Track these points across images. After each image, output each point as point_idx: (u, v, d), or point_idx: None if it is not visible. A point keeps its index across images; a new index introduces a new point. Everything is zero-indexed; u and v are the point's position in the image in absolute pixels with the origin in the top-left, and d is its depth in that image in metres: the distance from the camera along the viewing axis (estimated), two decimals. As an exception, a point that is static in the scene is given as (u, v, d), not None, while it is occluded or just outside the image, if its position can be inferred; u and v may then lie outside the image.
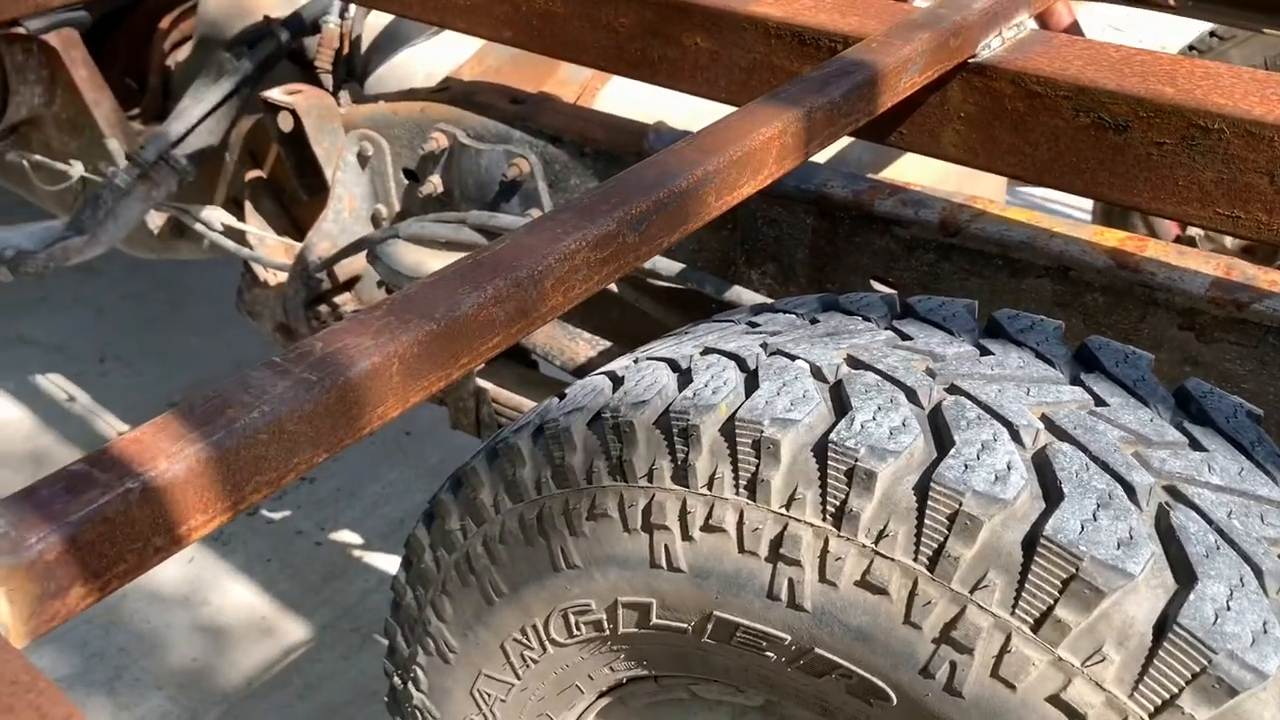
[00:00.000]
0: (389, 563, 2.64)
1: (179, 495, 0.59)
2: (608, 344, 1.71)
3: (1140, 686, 0.77)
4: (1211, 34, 2.66)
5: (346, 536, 2.71)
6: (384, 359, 0.67)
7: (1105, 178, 1.16)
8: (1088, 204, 3.01)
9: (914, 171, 1.75)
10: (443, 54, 1.93)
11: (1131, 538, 0.78)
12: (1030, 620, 0.80)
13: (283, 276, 1.96)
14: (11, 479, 2.85)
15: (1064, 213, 3.13)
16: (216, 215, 2.04)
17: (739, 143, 0.89)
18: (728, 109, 1.44)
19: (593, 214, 0.81)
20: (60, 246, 1.86)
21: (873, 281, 1.43)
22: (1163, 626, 0.76)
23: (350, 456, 2.92)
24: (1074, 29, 2.45)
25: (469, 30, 1.59)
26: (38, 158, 2.30)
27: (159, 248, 2.31)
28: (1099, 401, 0.92)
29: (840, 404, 0.91)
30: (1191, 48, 2.71)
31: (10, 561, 0.53)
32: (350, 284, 1.91)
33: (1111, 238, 1.32)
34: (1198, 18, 2.37)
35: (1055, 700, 0.80)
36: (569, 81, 1.81)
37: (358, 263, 1.87)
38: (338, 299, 1.90)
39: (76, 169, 2.21)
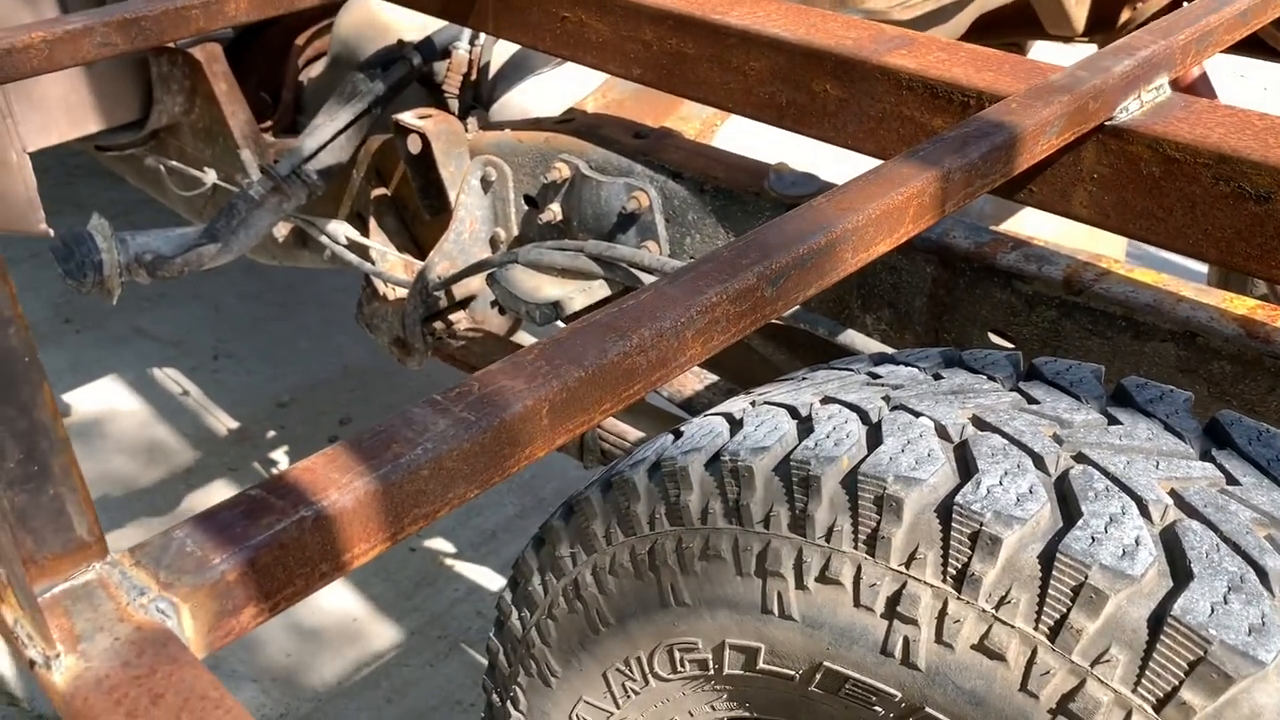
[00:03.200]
0: (478, 573, 2.69)
1: (346, 524, 0.62)
2: (715, 378, 1.73)
3: (1266, 777, 0.76)
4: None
5: (439, 545, 2.77)
6: (535, 402, 0.70)
7: (1242, 248, 1.14)
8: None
9: (1033, 225, 1.74)
10: (567, 85, 1.98)
11: (1264, 624, 0.77)
12: (1153, 700, 0.79)
13: (401, 292, 2.03)
14: (125, 466, 2.98)
15: (1179, 267, 3.06)
16: (341, 229, 2.11)
17: (878, 201, 0.91)
18: (848, 154, 1.46)
19: (733, 268, 0.83)
20: (195, 253, 1.95)
21: (991, 335, 1.43)
22: (1293, 718, 0.75)
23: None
24: (1204, 80, 2.41)
25: (599, 66, 1.63)
26: (174, 163, 2.41)
27: (281, 255, 2.40)
28: (1230, 480, 0.91)
29: (965, 465, 0.91)
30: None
31: (195, 580, 0.57)
32: (465, 303, 1.96)
33: (1241, 305, 1.30)
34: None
35: (1174, 783, 0.79)
36: (690, 117, 1.84)
37: (474, 283, 1.92)
38: (453, 317, 1.95)
39: (210, 176, 2.31)
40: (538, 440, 0.71)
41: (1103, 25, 2.45)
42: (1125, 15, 2.40)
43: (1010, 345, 1.42)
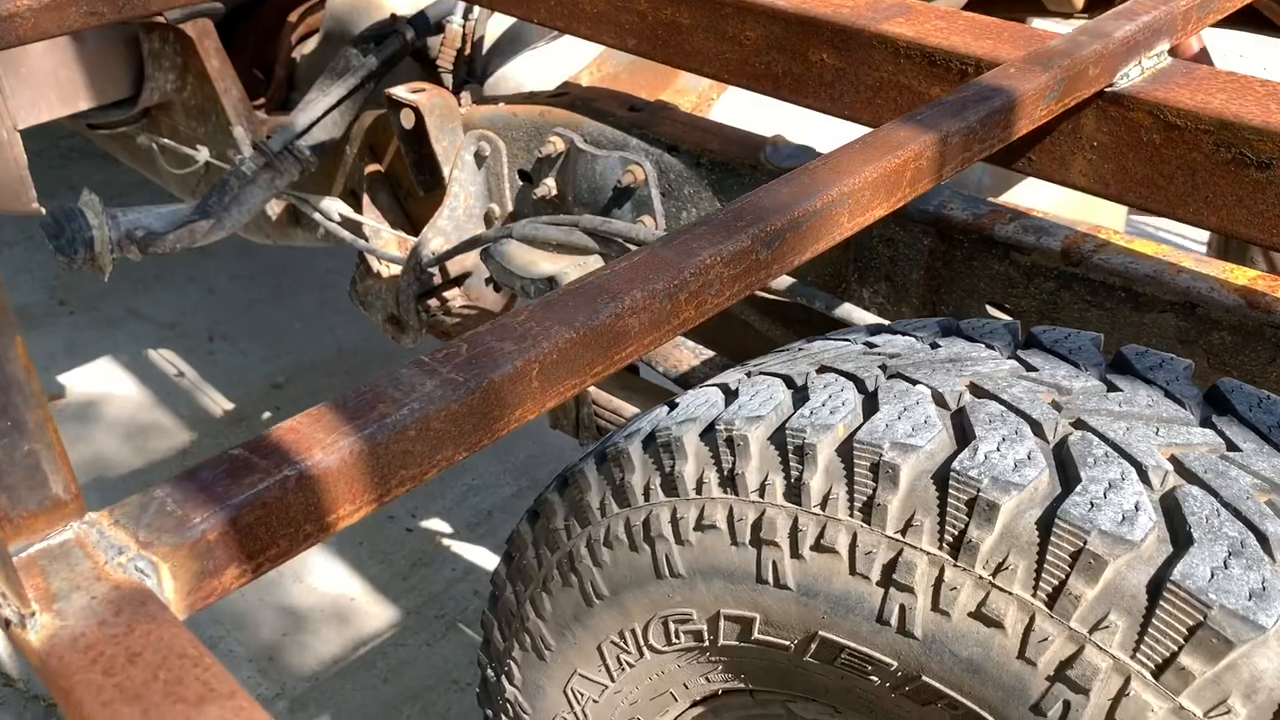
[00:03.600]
0: (475, 553, 2.68)
1: (331, 485, 0.61)
2: (710, 354, 1.72)
3: (1266, 743, 0.75)
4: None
5: (436, 525, 2.76)
6: (525, 363, 0.69)
7: (1243, 215, 1.13)
8: (1202, 234, 2.93)
9: (1031, 197, 1.72)
10: (562, 58, 1.96)
11: (1265, 589, 0.76)
12: (1152, 665, 0.78)
13: (395, 269, 2.01)
14: (119, 448, 2.96)
15: (1177, 241, 3.05)
16: (335, 206, 2.10)
17: (875, 164, 0.89)
18: (845, 125, 1.44)
19: (728, 230, 0.81)
20: (187, 229, 1.93)
21: (989, 308, 1.41)
22: (1294, 683, 0.74)
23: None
24: (1203, 56, 2.39)
25: (593, 37, 1.61)
26: (166, 141, 2.39)
27: (275, 234, 2.38)
28: (1231, 446, 0.89)
29: (962, 432, 0.90)
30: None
31: (175, 540, 0.56)
32: (460, 280, 1.95)
33: (1242, 275, 1.29)
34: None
35: (1173, 750, 0.78)
36: (686, 90, 1.82)
37: (469, 259, 1.91)
38: (447, 293, 1.94)
39: (203, 154, 2.29)
40: (527, 402, 0.70)
41: (1102, 1, 2.43)
42: (1125, -10, 2.38)
43: (1008, 318, 1.40)
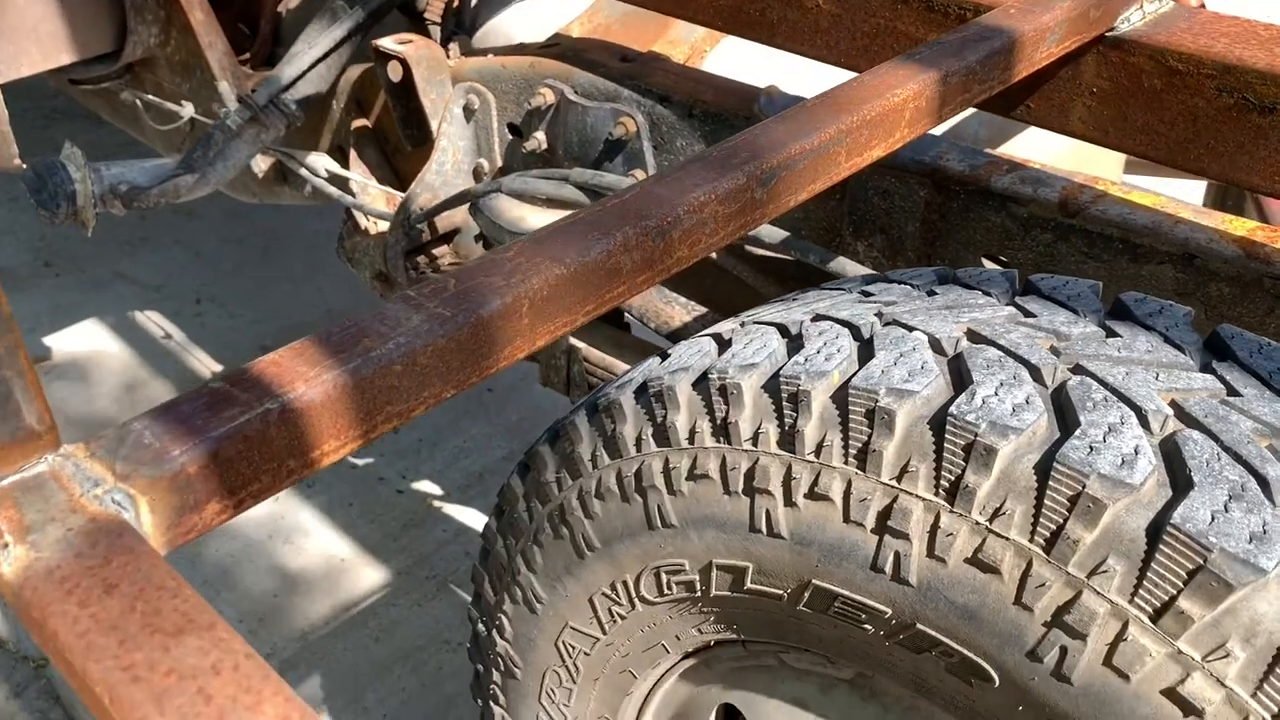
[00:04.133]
0: (466, 514, 2.68)
1: (315, 419, 0.59)
2: (703, 310, 1.70)
3: (1264, 687, 0.74)
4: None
5: (426, 486, 2.75)
6: (515, 299, 0.67)
7: (1245, 161, 1.11)
8: (1197, 192, 2.90)
9: (1026, 151, 1.70)
10: (552, 9, 1.92)
11: (1265, 533, 0.75)
12: (1150, 610, 0.77)
13: (383, 225, 1.98)
14: (106, 409, 2.94)
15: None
16: (321, 162, 2.07)
17: (873, 102, 0.87)
18: (839, 75, 1.42)
19: (723, 167, 0.79)
20: (171, 184, 1.90)
21: (985, 260, 1.40)
22: (1294, 626, 0.73)
23: (433, 410, 2.96)
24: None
25: (584, -15, 1.58)
26: (150, 97, 2.35)
27: (261, 191, 2.35)
28: (1231, 391, 0.88)
29: (959, 378, 0.89)
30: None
31: (153, 472, 0.54)
32: (449, 236, 1.92)
33: (1240, 226, 1.27)
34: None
35: (1171, 694, 0.77)
36: (679, 41, 1.80)
37: (458, 215, 1.88)
38: (436, 250, 1.92)
39: (188, 110, 2.25)
40: (517, 339, 0.68)
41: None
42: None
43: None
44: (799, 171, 0.83)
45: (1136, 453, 0.80)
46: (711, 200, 0.78)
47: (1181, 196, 1.33)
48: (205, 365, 3.10)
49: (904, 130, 0.91)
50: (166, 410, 0.57)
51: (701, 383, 1.02)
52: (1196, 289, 1.27)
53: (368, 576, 2.51)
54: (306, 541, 2.59)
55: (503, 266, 0.69)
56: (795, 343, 1.00)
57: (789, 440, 0.95)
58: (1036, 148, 1.66)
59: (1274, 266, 1.21)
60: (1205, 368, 0.91)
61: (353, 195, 2.04)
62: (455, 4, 1.96)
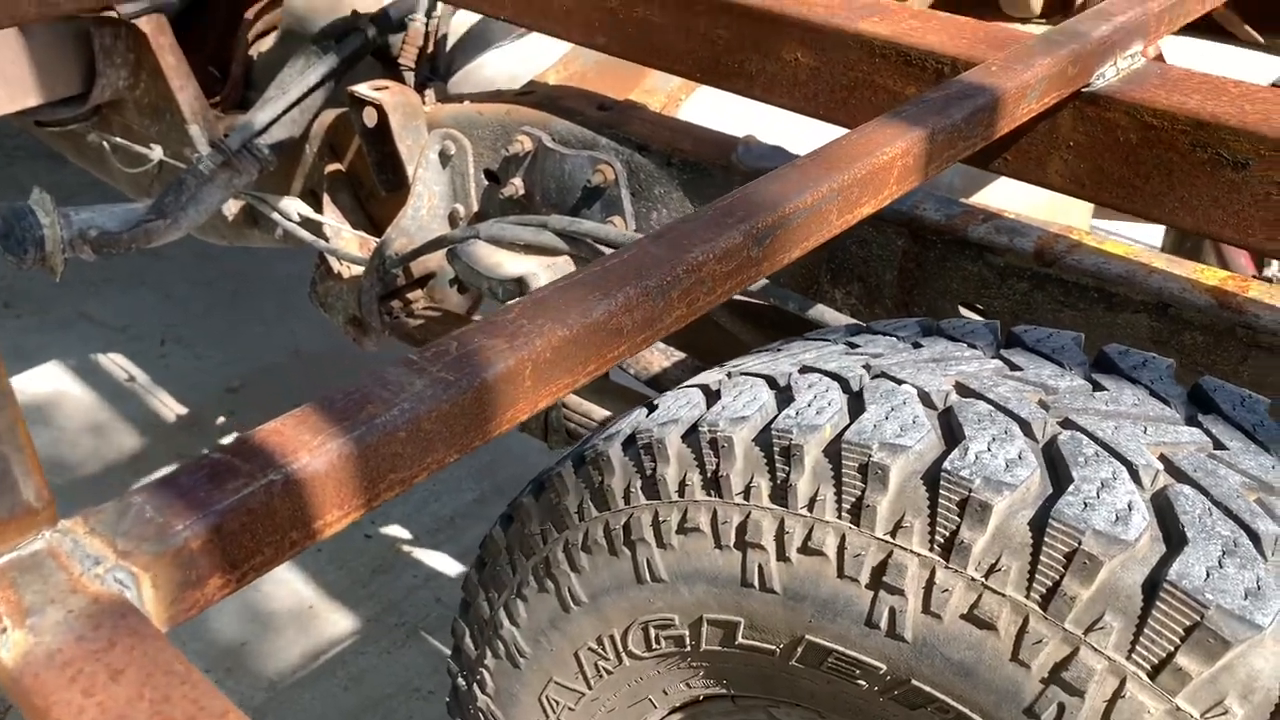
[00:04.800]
0: (436, 559, 2.64)
1: (319, 489, 0.58)
2: (681, 355, 1.70)
3: (1262, 743, 0.75)
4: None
5: (396, 531, 2.71)
6: (518, 362, 0.66)
7: (1219, 215, 1.13)
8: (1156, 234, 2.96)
9: (1000, 200, 1.73)
10: (528, 57, 1.93)
11: (1260, 588, 0.76)
12: (1148, 666, 0.78)
13: (357, 270, 1.97)
14: (69, 453, 2.88)
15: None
16: (294, 206, 2.05)
17: (862, 160, 0.88)
18: (815, 125, 1.43)
19: (719, 226, 0.80)
20: (142, 229, 1.87)
21: (962, 308, 1.41)
22: (1289, 682, 0.74)
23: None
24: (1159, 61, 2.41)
25: (563, 35, 1.59)
26: (118, 140, 2.33)
27: (231, 234, 2.33)
28: (1218, 444, 0.89)
29: (951, 432, 0.89)
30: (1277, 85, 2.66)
31: (156, 548, 0.53)
32: (424, 281, 1.91)
33: (1212, 276, 1.29)
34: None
35: (1169, 750, 0.78)
36: (655, 90, 1.81)
37: (433, 260, 1.87)
38: (410, 295, 1.90)
39: (157, 152, 2.23)
40: (520, 402, 0.68)
41: (1060, 7, 2.45)
42: (1082, -3, 2.40)
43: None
44: (793, 229, 0.84)
45: (1130, 508, 0.81)
46: (709, 260, 0.78)
47: (1141, 238, 1.35)
48: (170, 408, 3.05)
49: (893, 187, 0.92)
50: (167, 483, 0.56)
51: (691, 435, 1.02)
52: (1171, 337, 1.29)
53: (336, 623, 2.47)
54: (274, 588, 2.54)
55: (505, 329, 0.68)
56: (785, 395, 1.00)
57: (781, 494, 0.94)
58: (1009, 197, 1.68)
59: (1245, 316, 1.23)
60: (1191, 420, 0.93)
61: (326, 239, 2.02)
62: (430, 50, 1.97)
